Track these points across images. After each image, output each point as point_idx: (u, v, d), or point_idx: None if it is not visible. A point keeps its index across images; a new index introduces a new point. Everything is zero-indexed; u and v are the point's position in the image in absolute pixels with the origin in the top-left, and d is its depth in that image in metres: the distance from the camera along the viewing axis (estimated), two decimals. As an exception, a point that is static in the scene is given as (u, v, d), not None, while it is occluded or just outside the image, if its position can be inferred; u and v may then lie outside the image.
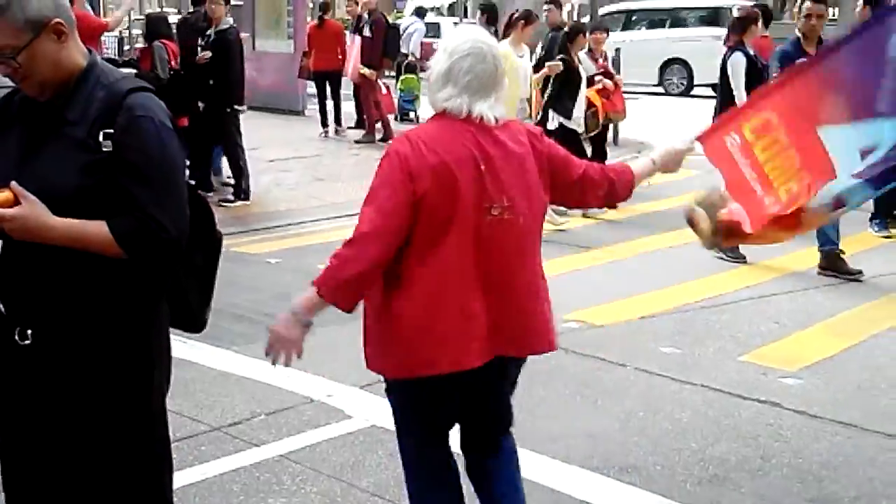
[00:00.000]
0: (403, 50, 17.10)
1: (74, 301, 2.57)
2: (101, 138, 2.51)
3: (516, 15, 9.49)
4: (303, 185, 11.17)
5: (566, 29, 10.32)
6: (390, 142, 3.31)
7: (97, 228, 2.51)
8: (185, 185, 2.68)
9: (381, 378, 4.97)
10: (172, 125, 2.65)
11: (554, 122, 9.75)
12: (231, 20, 10.31)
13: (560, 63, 9.67)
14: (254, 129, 13.28)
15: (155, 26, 10.47)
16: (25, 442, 2.71)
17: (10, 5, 2.45)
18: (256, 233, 8.93)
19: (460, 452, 3.49)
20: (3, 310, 2.60)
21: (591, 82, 10.32)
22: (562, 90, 9.74)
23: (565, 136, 9.35)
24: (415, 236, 3.05)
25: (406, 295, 3.11)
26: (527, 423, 4.88)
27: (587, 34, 10.31)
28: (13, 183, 2.46)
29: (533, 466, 4.42)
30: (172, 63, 10.00)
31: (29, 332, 2.59)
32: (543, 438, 4.70)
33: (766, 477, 4.42)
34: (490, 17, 12.25)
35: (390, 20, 16.16)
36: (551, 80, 9.74)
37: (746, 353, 5.96)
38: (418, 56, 17.92)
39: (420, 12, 21.76)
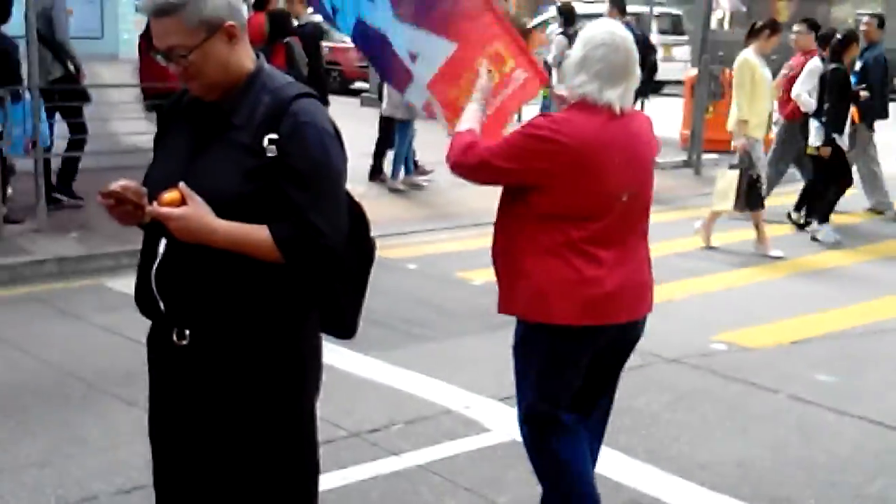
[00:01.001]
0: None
1: (232, 303, 2.55)
2: (265, 143, 2.49)
3: (761, 23, 8.92)
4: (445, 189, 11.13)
5: (838, 35, 9.58)
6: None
7: (258, 232, 2.50)
8: (345, 192, 2.65)
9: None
10: (335, 132, 2.61)
11: (818, 137, 9.21)
12: (312, 14, 9.99)
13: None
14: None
15: (281, 23, 10.11)
16: (178, 441, 2.71)
17: (188, 5, 2.45)
18: (394, 237, 8.90)
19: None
20: (162, 308, 2.59)
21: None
22: (839, 103, 9.13)
23: (834, 154, 9.06)
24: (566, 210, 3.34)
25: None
26: (673, 447, 4.71)
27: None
28: (181, 183, 2.47)
29: (680, 493, 4.24)
30: None
31: (187, 332, 2.58)
32: (691, 465, 4.50)
33: (932, 519, 4.12)
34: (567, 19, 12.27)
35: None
36: (827, 93, 9.13)
37: (909, 384, 5.61)
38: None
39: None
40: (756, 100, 8.62)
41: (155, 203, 2.47)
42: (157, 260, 2.58)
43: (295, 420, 2.70)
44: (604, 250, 3.39)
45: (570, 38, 10.80)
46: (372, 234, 2.82)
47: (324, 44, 15.17)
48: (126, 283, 6.95)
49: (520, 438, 4.67)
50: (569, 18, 12.61)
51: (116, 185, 2.52)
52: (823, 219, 9.41)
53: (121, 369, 5.35)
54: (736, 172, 8.54)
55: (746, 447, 4.74)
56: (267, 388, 2.62)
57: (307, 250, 2.52)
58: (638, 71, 3.40)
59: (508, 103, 4.13)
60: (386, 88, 10.71)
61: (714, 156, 13.09)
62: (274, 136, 2.50)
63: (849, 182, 9.58)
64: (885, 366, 5.93)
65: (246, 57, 2.59)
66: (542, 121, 3.38)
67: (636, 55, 3.39)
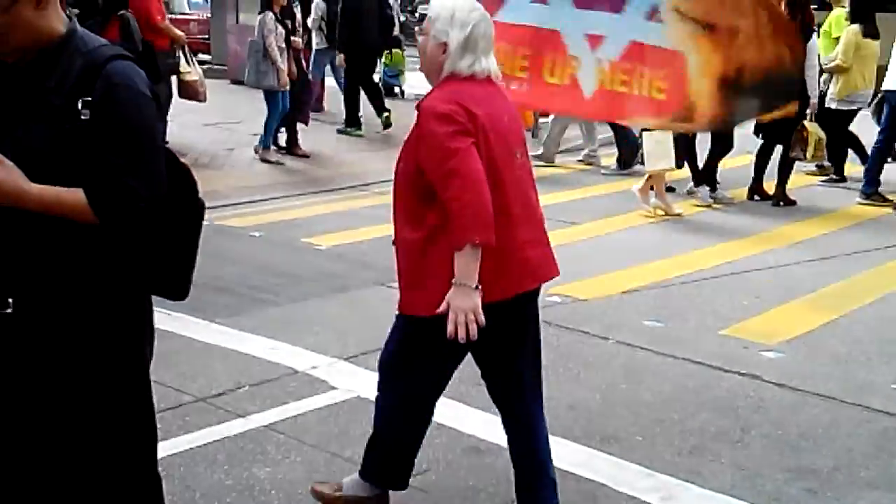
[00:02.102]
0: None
1: (53, 268, 2.56)
2: (79, 106, 2.50)
3: None
4: (287, 159, 11.15)
5: None
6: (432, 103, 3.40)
7: (72, 195, 2.51)
8: (162, 152, 2.67)
9: (366, 350, 5.04)
10: (152, 93, 2.65)
11: None
12: None
13: None
14: (239, 103, 13.30)
15: None
16: (5, 416, 2.69)
17: None
18: (239, 206, 8.92)
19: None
20: None
21: None
22: None
23: None
24: None
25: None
26: (510, 394, 4.93)
27: None
28: None
29: (515, 437, 4.47)
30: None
31: (10, 300, 2.58)
32: (526, 410, 4.74)
33: (745, 448, 4.48)
34: None
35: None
36: None
37: (727, 327, 6.02)
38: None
39: None
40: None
41: None
42: None
43: (125, 384, 2.73)
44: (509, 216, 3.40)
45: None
46: (202, 195, 2.86)
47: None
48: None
49: (364, 395, 4.86)
50: None
51: None
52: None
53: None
54: (668, 133, 8.55)
55: (578, 391, 5.03)
56: (95, 352, 2.64)
57: (123, 212, 2.54)
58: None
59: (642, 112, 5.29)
60: (249, 60, 10.61)
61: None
62: (87, 98, 2.50)
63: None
64: (704, 311, 6.33)
65: (57, 20, 2.58)
66: (434, 104, 3.35)
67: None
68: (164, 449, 3.29)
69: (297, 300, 6.45)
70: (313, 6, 13.32)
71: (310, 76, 12.25)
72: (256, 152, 10.95)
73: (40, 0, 2.52)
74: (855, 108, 10.26)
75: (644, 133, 8.97)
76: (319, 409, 4.73)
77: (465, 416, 4.68)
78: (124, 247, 2.63)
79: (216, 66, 16.63)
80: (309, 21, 12.79)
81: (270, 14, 10.47)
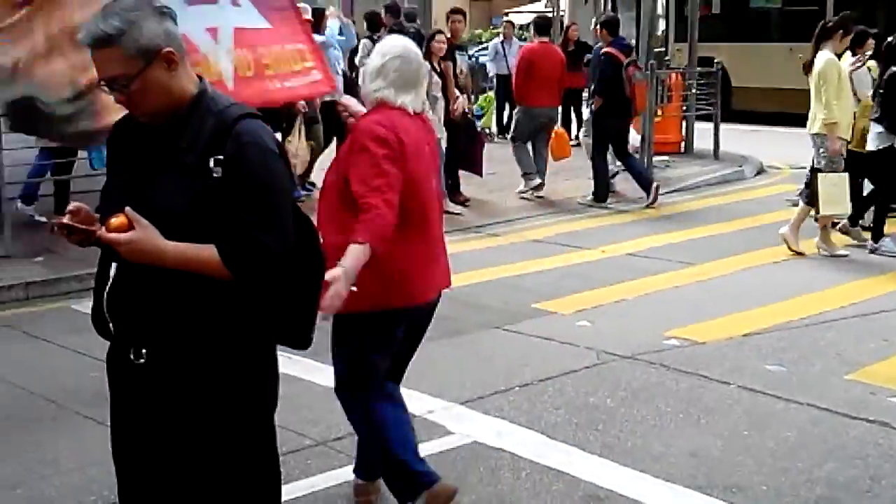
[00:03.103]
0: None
1: (185, 321, 2.65)
2: (211, 164, 2.58)
3: (832, 24, 8.67)
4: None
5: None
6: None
7: (207, 252, 2.59)
8: (290, 206, 2.75)
9: (482, 394, 5.08)
10: (279, 149, 2.73)
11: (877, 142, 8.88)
12: None
13: None
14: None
15: None
16: (140, 459, 2.79)
17: (123, 35, 2.53)
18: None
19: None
20: (112, 330, 2.70)
21: None
22: None
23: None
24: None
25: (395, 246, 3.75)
26: (628, 441, 4.88)
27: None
28: (127, 208, 2.56)
29: (635, 486, 4.41)
30: None
31: (143, 350, 2.67)
32: (645, 457, 4.68)
33: (875, 499, 4.32)
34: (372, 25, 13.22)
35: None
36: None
37: (853, 372, 5.83)
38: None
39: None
40: (841, 100, 8.43)
41: (103, 229, 2.56)
42: (109, 283, 2.68)
43: (254, 433, 2.79)
44: (420, 234, 3.93)
45: (375, 42, 11.15)
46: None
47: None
48: (90, 305, 7.04)
49: (481, 440, 4.86)
50: (373, 24, 13.72)
51: (66, 216, 2.61)
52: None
53: (89, 390, 5.43)
54: (844, 175, 8.39)
55: (699, 438, 4.93)
56: (224, 402, 2.71)
57: (255, 268, 2.62)
58: (426, 81, 4.08)
59: (299, 90, 5.83)
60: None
61: (664, 157, 13.37)
62: (219, 156, 2.58)
63: None
64: (829, 355, 6.15)
65: (188, 80, 2.67)
66: (373, 126, 3.83)
67: (425, 69, 4.11)
68: (285, 492, 3.30)
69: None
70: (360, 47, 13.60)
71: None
72: None
73: (171, 62, 2.61)
74: None
75: (819, 175, 8.57)
76: (437, 454, 4.72)
77: (582, 461, 4.63)
78: (253, 299, 2.70)
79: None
80: (357, 59, 13.13)
81: (426, 64, 10.37)
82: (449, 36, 10.68)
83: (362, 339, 3.99)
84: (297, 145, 10.18)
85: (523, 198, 11.52)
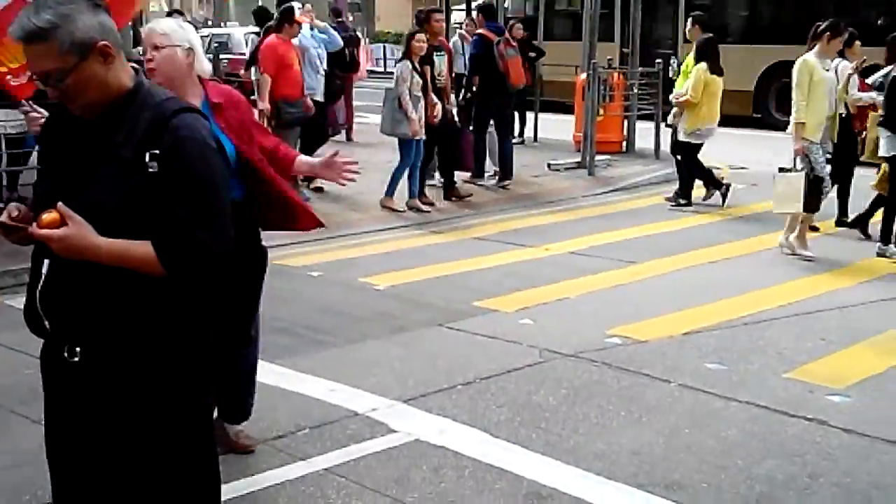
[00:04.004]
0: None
1: (121, 318, 2.59)
2: (147, 159, 2.53)
3: (822, 26, 8.76)
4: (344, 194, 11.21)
5: None
6: None
7: (141, 248, 2.54)
8: (228, 203, 2.70)
9: (425, 392, 5.08)
10: (218, 144, 2.68)
11: (888, 147, 8.92)
12: None
13: None
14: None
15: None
16: (75, 457, 2.74)
17: (57, 29, 2.47)
18: (296, 245, 8.94)
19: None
20: (48, 326, 2.63)
21: None
22: None
23: None
24: None
25: None
26: (570, 439, 4.89)
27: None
28: (60, 204, 2.50)
29: (578, 484, 4.42)
30: None
31: (77, 349, 2.62)
32: (588, 455, 4.69)
33: (813, 496, 4.37)
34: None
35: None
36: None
37: (792, 370, 5.90)
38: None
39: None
40: (813, 101, 8.54)
41: (35, 225, 2.50)
42: (41, 280, 2.62)
43: (192, 432, 2.75)
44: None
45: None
46: (265, 242, 2.89)
47: (221, 56, 15.18)
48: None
49: (423, 438, 4.83)
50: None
51: (3, 215, 2.57)
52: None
53: (24, 386, 5.30)
54: (800, 174, 8.48)
55: (640, 436, 4.95)
56: (160, 400, 2.66)
57: (191, 264, 2.57)
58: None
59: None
60: (384, 107, 10.45)
61: (606, 157, 13.46)
62: (155, 151, 2.52)
63: None
64: (768, 353, 6.22)
65: (124, 74, 2.61)
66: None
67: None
68: (225, 492, 3.26)
69: (356, 341, 6.45)
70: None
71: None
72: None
73: (107, 55, 2.55)
74: (701, 141, 10.97)
75: (776, 174, 8.76)
76: (379, 453, 4.70)
77: (524, 460, 4.63)
78: (190, 296, 2.65)
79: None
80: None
81: (408, 63, 10.23)
82: (428, 37, 10.57)
83: None
84: None
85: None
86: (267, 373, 5.64)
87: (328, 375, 5.71)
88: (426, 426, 5.01)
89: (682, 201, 11.07)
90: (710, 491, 4.40)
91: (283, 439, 4.83)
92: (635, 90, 14.56)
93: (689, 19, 11.88)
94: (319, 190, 11.23)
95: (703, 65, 10.75)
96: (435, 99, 10.55)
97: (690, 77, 10.82)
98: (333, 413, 5.18)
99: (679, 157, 11.31)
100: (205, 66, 4.31)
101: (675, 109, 11.16)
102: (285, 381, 5.61)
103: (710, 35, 11.07)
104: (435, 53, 10.90)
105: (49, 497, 3.78)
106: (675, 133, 11.21)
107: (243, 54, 20.64)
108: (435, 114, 10.48)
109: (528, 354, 6.13)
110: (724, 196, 10.99)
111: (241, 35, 20.81)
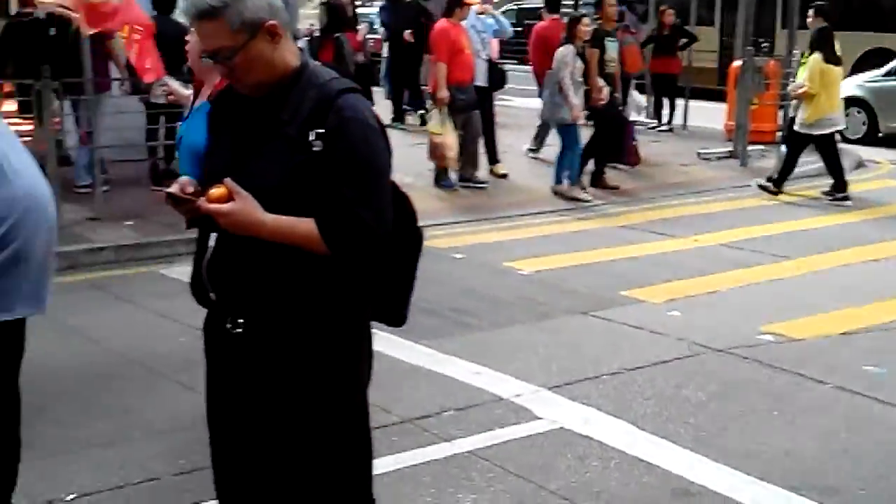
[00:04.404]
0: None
1: (283, 293, 2.62)
2: (311, 137, 2.55)
3: None
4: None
5: None
6: None
7: (305, 225, 2.56)
8: (389, 183, 2.71)
9: (570, 380, 5.00)
10: (379, 126, 2.68)
11: None
12: None
13: None
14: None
15: (336, 16, 10.30)
16: (235, 425, 2.79)
17: (227, 8, 2.51)
18: (440, 227, 8.96)
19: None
20: (213, 298, 2.69)
21: None
22: None
23: None
24: None
25: None
26: (720, 437, 4.76)
27: None
28: (227, 179, 2.54)
29: (727, 482, 4.29)
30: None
31: (240, 320, 2.66)
32: (738, 454, 4.55)
33: (981, 511, 4.14)
34: None
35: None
36: None
37: (957, 377, 5.61)
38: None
39: None
40: None
41: (203, 199, 2.55)
42: (208, 253, 2.67)
43: (346, 406, 2.77)
44: None
45: None
46: (419, 224, 2.88)
47: (369, 36, 15.39)
48: (181, 271, 7.09)
49: (568, 426, 4.78)
50: None
51: (175, 184, 2.64)
52: None
53: (179, 355, 5.49)
54: None
55: (793, 437, 4.77)
56: (318, 374, 2.68)
57: (353, 243, 2.58)
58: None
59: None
60: (545, 92, 10.42)
61: (759, 147, 13.06)
62: (320, 130, 2.54)
63: None
64: (933, 358, 5.93)
65: (290, 53, 2.64)
66: None
67: None
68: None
69: (501, 325, 6.43)
70: None
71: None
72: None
73: (275, 35, 2.58)
74: (826, 131, 10.62)
75: None
76: (523, 438, 4.67)
77: (672, 454, 4.52)
78: (350, 275, 2.67)
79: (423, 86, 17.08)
80: None
81: (571, 48, 10.08)
82: (600, 20, 10.44)
83: None
84: (447, 137, 9.86)
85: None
86: (412, 353, 5.70)
87: (472, 358, 5.71)
88: (571, 414, 4.95)
89: (838, 195, 10.67)
90: (867, 499, 4.21)
91: (429, 419, 4.85)
92: (792, 79, 14.07)
93: (812, 9, 11.48)
94: (504, 177, 11.14)
95: (818, 55, 10.50)
96: (602, 82, 10.42)
97: (806, 68, 10.60)
98: (478, 396, 5.18)
99: (786, 147, 11.09)
100: None
101: (793, 101, 11.07)
102: (430, 361, 5.64)
103: (825, 25, 10.78)
104: (606, 38, 10.76)
105: (203, 461, 3.91)
106: (792, 122, 10.98)
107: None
108: (602, 97, 10.34)
109: (675, 347, 5.99)
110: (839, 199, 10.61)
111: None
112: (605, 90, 10.48)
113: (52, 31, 8.88)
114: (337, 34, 10.06)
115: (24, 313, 2.94)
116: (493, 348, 5.94)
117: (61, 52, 8.62)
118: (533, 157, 12.37)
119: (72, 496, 4.04)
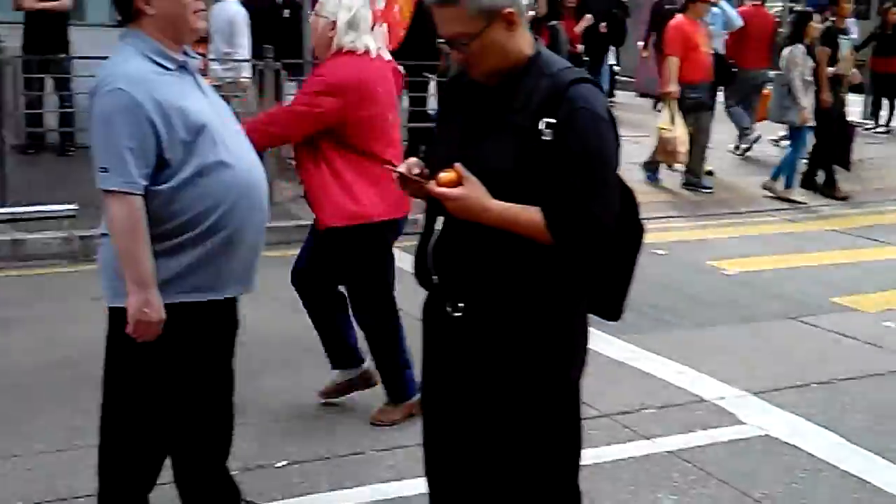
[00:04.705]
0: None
1: (504, 280, 2.63)
2: (541, 127, 2.54)
3: None
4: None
5: None
6: None
7: (530, 214, 2.56)
8: (617, 177, 2.68)
9: (776, 386, 4.79)
10: (611, 118, 2.65)
11: None
12: None
13: None
14: (647, 118, 13.17)
15: (553, 6, 10.25)
16: (449, 407, 2.83)
17: None
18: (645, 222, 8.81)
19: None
20: (435, 281, 2.72)
21: None
22: None
23: None
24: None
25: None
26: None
27: None
28: (458, 164, 2.57)
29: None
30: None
31: (460, 304, 2.69)
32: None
33: None
34: None
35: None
36: None
37: None
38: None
39: None
40: None
41: (433, 182, 2.59)
42: (434, 236, 2.71)
43: (561, 396, 2.77)
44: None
45: None
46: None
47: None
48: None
49: (775, 434, 4.62)
50: None
51: (403, 166, 2.69)
52: None
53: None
54: None
55: None
56: (535, 362, 2.69)
57: (579, 234, 2.57)
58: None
59: None
60: (773, 92, 10.16)
61: None
62: (551, 119, 2.53)
63: None
64: None
65: (525, 42, 2.64)
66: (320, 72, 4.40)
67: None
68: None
69: (703, 325, 6.29)
70: None
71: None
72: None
73: (511, 22, 2.59)
74: None
75: None
76: (727, 443, 4.55)
77: (888, 472, 4.31)
78: (573, 266, 2.65)
79: (622, 78, 16.88)
80: None
81: (801, 47, 9.77)
82: (833, 18, 10.05)
83: None
84: (678, 132, 9.56)
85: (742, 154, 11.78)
86: (612, 347, 5.64)
87: (674, 357, 5.60)
88: (777, 422, 4.79)
89: None
90: None
91: (629, 415, 4.80)
92: None
93: None
94: (710, 174, 10.72)
95: None
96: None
97: None
98: (679, 396, 5.08)
99: None
100: (343, 40, 4.31)
101: None
102: (630, 357, 5.57)
103: None
104: (839, 36, 10.32)
105: (408, 437, 4.00)
106: None
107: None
108: (828, 98, 9.97)
109: (891, 360, 5.71)
110: None
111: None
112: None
113: (286, 14, 9.23)
114: (553, 22, 10.04)
115: (234, 293, 3.05)
116: (695, 348, 5.82)
117: (292, 35, 8.97)
118: (739, 155, 12.00)
119: (282, 463, 4.21)
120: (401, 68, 4.76)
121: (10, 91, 8.11)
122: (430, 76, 9.10)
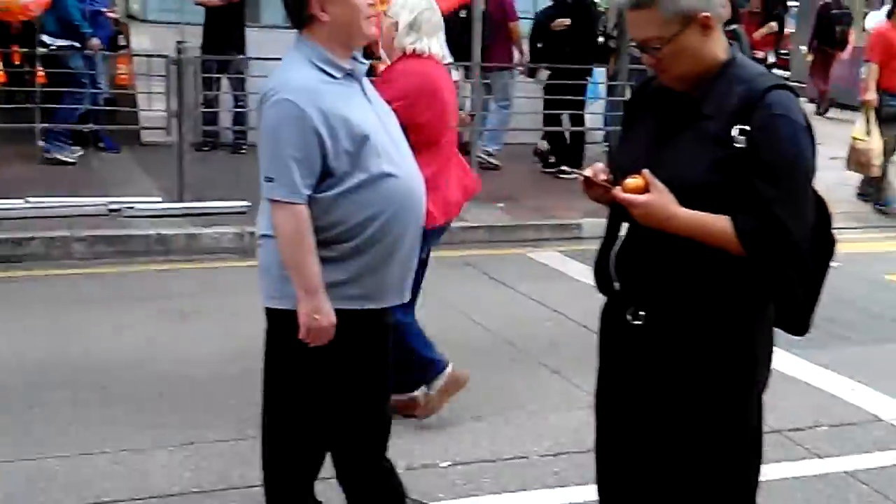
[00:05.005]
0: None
1: (689, 290, 2.57)
2: (734, 133, 2.47)
3: None
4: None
5: None
6: None
7: (720, 223, 2.49)
8: (812, 188, 2.58)
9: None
10: (808, 125, 2.55)
11: None
12: None
13: None
14: (827, 131, 12.72)
15: (733, 9, 10.16)
16: (625, 415, 2.79)
17: None
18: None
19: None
20: (617, 288, 2.68)
21: None
22: None
23: None
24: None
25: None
26: None
27: None
28: (645, 171, 2.53)
29: None
30: None
31: (641, 313, 2.64)
32: None
33: None
34: None
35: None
36: None
37: None
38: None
39: None
40: None
41: (619, 188, 2.55)
42: (618, 242, 2.67)
43: (742, 409, 2.70)
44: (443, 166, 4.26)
45: None
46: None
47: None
48: (547, 256, 7.29)
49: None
50: None
51: (588, 170, 2.67)
52: None
53: (545, 338, 5.61)
54: None
55: None
56: (717, 374, 2.62)
57: (771, 245, 2.49)
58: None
59: None
60: None
61: None
62: (745, 127, 2.46)
63: None
64: None
65: (719, 48, 2.58)
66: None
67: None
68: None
69: (880, 341, 6.04)
70: None
71: None
72: None
73: (707, 27, 2.53)
74: None
75: None
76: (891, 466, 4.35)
77: None
78: (762, 277, 2.57)
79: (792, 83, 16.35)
80: None
81: None
82: None
83: None
84: (873, 143, 9.21)
85: None
86: (783, 361, 5.39)
87: (848, 373, 5.40)
88: (962, 448, 4.55)
89: None
90: None
91: (801, 433, 4.64)
92: None
93: None
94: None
95: None
96: None
97: None
98: (854, 414, 4.89)
99: None
100: (403, 41, 4.23)
101: None
102: (802, 372, 5.39)
103: None
104: None
105: (569, 446, 3.98)
106: None
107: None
108: None
109: None
110: None
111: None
112: None
113: (463, 14, 9.34)
114: (734, 26, 9.81)
115: (393, 302, 3.08)
116: (872, 364, 5.58)
117: (462, 33, 9.06)
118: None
119: (446, 464, 4.24)
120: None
121: (190, 91, 8.42)
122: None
